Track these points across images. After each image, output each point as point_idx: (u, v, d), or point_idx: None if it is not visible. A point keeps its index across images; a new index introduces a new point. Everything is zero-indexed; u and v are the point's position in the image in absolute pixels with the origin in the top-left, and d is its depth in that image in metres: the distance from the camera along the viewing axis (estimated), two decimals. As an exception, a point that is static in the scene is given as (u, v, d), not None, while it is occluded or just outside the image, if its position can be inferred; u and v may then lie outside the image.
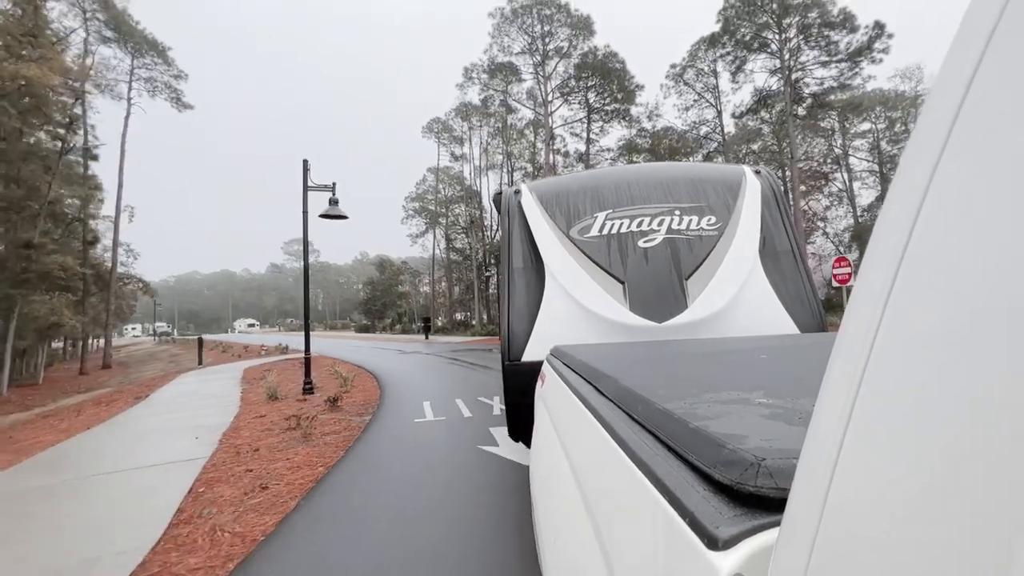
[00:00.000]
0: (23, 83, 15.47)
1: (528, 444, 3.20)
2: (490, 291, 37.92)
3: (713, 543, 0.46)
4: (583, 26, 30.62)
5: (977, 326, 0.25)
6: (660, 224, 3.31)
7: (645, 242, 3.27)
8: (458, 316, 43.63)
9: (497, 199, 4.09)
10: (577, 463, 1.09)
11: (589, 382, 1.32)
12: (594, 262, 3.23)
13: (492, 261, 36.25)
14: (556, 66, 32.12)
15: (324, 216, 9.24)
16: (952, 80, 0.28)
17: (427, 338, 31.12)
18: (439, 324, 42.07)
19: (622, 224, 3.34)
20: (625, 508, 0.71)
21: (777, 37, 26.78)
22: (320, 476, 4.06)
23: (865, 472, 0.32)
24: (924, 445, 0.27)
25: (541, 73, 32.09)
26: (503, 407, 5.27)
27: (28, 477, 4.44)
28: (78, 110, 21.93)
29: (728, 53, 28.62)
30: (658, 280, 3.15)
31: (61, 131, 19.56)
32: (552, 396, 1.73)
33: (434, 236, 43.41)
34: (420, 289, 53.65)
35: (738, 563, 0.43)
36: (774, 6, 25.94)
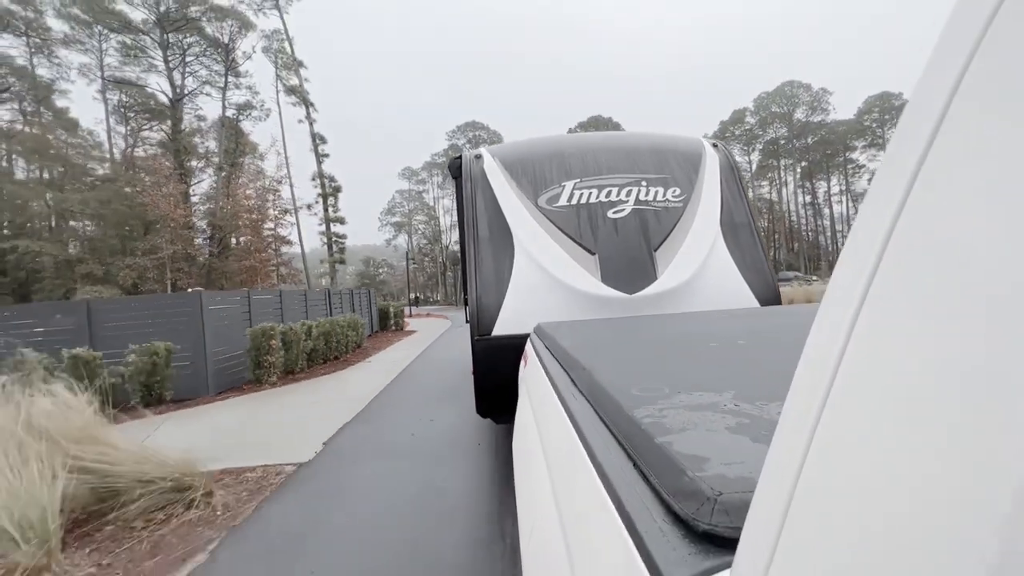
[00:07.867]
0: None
1: (496, 420, 3.61)
2: (448, 279, 61.61)
3: None
4: (496, 137, 55.88)
5: (957, 349, 0.22)
6: (628, 195, 3.26)
7: (614, 213, 3.22)
8: (421, 296, 67.13)
9: (455, 163, 3.91)
10: (551, 459, 1.10)
11: (566, 371, 1.32)
12: (564, 233, 3.18)
13: (454, 263, 59.67)
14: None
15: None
16: (944, 71, 0.26)
17: (417, 305, 54.33)
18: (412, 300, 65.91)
19: (591, 194, 3.27)
20: (588, 522, 0.71)
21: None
22: (449, 319, 28.17)
23: (817, 522, 0.29)
24: (882, 498, 0.25)
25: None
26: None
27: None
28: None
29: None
30: (628, 251, 3.12)
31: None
32: (532, 381, 1.71)
33: (408, 238, 66.14)
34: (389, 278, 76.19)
35: None
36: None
